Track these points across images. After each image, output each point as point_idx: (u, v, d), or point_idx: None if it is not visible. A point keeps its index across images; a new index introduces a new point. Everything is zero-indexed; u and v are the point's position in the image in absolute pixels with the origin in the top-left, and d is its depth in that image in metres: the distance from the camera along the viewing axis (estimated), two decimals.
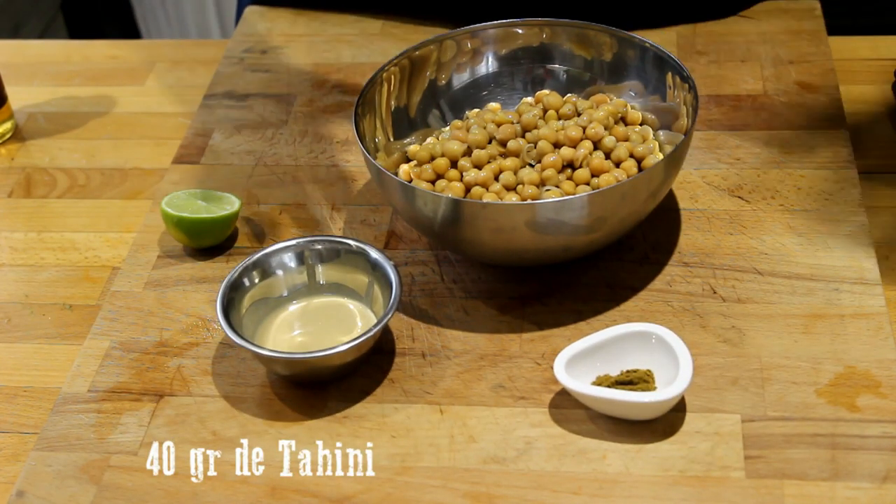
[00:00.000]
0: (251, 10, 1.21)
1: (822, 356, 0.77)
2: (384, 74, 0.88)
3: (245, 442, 0.74)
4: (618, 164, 0.84)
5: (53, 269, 0.93)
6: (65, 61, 1.21)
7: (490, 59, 0.94)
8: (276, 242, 0.82)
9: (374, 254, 0.80)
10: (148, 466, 0.73)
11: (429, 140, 0.91)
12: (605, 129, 0.85)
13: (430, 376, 0.78)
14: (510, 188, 0.83)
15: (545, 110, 0.88)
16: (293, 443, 0.74)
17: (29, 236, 0.97)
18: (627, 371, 0.75)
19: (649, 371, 0.75)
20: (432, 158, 0.86)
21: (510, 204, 0.78)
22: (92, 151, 1.06)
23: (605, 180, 0.81)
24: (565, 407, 0.75)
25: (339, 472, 0.72)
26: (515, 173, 0.83)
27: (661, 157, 0.85)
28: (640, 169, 0.84)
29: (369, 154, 0.81)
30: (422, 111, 0.93)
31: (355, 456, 0.73)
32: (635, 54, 0.90)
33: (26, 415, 0.81)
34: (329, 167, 0.98)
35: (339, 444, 0.74)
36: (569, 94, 0.92)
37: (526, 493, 0.70)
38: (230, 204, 0.90)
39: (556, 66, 0.94)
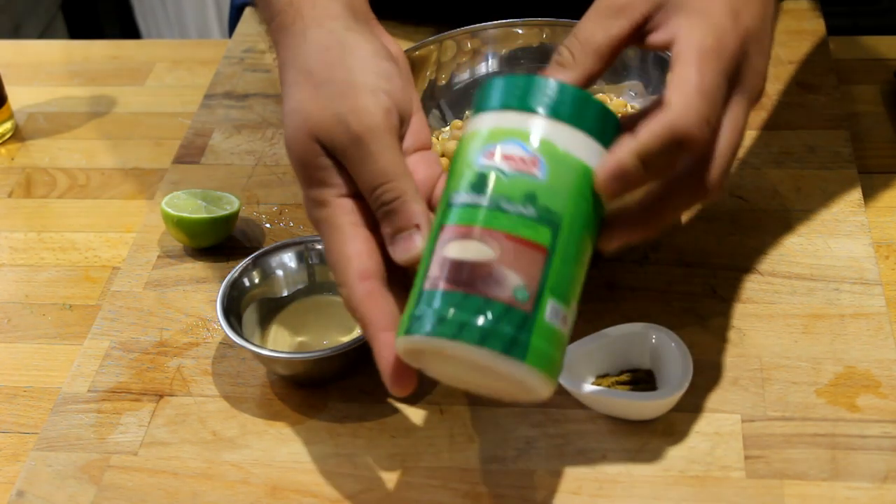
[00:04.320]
0: (251, 11, 1.21)
1: (822, 356, 0.77)
2: None
3: (245, 442, 0.74)
4: None
5: (53, 269, 0.93)
6: (65, 61, 1.21)
7: (490, 59, 0.94)
8: (276, 242, 0.82)
9: None
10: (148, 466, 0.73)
11: None
12: None
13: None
14: None
15: None
16: (293, 443, 0.74)
17: (29, 236, 0.97)
18: (627, 371, 0.75)
19: (649, 371, 0.75)
20: None
21: None
22: (92, 151, 1.06)
23: None
24: (565, 407, 0.75)
25: (339, 472, 0.72)
26: None
27: None
28: None
29: None
30: None
31: (355, 456, 0.73)
32: (635, 54, 0.90)
33: (26, 415, 0.81)
34: None
35: (338, 444, 0.74)
36: None
37: (526, 493, 0.70)
38: (230, 204, 0.90)
39: None
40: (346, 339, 0.77)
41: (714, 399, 0.74)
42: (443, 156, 0.85)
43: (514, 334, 0.55)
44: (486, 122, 0.60)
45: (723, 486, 0.69)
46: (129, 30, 2.49)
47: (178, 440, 0.75)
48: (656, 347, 0.75)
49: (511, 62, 0.94)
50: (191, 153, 1.01)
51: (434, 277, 0.57)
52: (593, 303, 0.82)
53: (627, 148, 0.57)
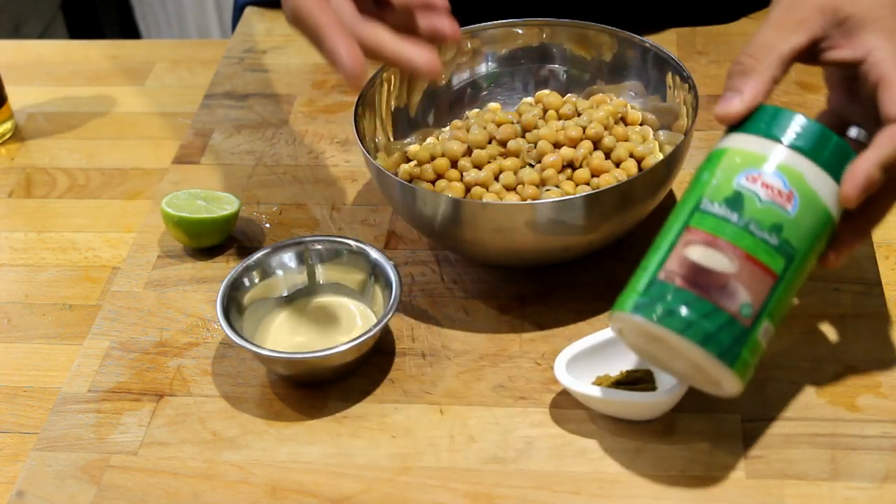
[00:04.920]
0: (251, 11, 1.21)
1: (822, 356, 0.77)
2: (384, 74, 0.88)
3: (245, 442, 0.74)
4: (618, 164, 0.84)
5: (53, 269, 0.93)
6: (65, 61, 1.21)
7: (490, 59, 0.94)
8: (276, 242, 0.82)
9: (374, 254, 0.80)
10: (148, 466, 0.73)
11: (429, 140, 0.91)
12: (605, 129, 0.85)
13: (430, 376, 0.78)
14: (510, 188, 0.83)
15: (545, 110, 0.88)
16: (293, 443, 0.74)
17: (29, 236, 0.97)
18: (627, 371, 0.75)
19: (649, 371, 0.75)
20: (432, 158, 0.86)
21: (510, 204, 0.78)
22: (92, 151, 1.06)
23: (605, 180, 0.81)
24: (565, 407, 0.75)
25: (339, 472, 0.72)
26: (515, 173, 0.83)
27: (661, 157, 0.85)
28: (640, 169, 0.84)
29: (369, 154, 0.81)
30: (422, 111, 0.93)
31: (355, 456, 0.73)
32: (635, 54, 0.90)
33: (26, 415, 0.81)
34: (329, 167, 0.98)
35: (338, 444, 0.74)
36: (569, 94, 0.92)
37: (526, 493, 0.70)
38: (230, 204, 0.90)
39: (556, 66, 0.94)
40: (346, 339, 0.77)
41: (714, 399, 0.74)
42: (442, 155, 0.85)
43: (731, 344, 0.63)
44: (756, 146, 0.65)
45: (723, 486, 0.69)
46: (129, 30, 2.49)
47: (178, 440, 0.75)
48: None
49: (511, 62, 0.94)
50: (191, 153, 1.01)
51: (671, 271, 0.64)
52: (593, 303, 0.82)
53: (872, 160, 0.64)
